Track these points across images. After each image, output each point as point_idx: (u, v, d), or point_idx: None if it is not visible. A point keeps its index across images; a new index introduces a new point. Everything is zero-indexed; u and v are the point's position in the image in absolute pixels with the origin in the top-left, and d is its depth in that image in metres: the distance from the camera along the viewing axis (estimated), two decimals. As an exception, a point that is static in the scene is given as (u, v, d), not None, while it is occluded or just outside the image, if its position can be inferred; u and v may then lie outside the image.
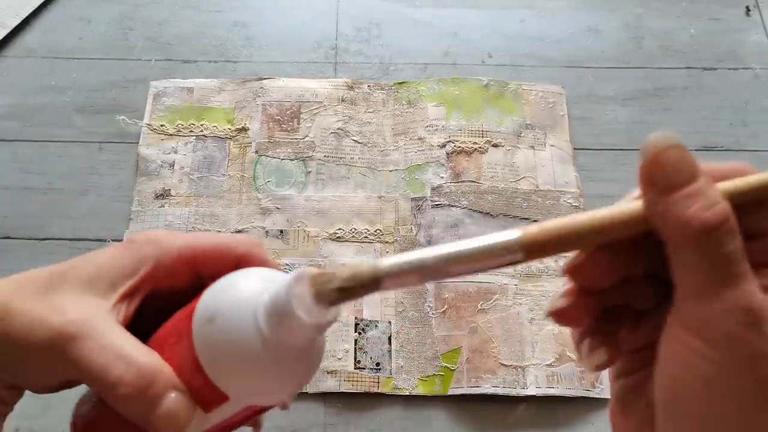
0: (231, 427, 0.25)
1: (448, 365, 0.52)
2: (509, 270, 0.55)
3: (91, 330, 0.22)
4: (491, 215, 0.57)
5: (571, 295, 0.22)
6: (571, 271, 0.21)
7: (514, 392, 0.51)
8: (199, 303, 0.22)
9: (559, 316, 0.22)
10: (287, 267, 0.55)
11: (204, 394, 0.22)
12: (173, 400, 0.22)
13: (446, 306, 0.54)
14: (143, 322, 0.24)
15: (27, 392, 0.24)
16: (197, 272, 0.26)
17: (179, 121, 0.61)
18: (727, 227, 0.18)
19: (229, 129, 0.61)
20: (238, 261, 0.25)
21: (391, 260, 0.20)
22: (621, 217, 0.20)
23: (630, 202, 0.20)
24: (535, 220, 0.57)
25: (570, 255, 0.22)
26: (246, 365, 0.21)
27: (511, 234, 0.20)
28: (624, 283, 0.22)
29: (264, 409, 0.24)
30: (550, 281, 0.55)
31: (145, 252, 0.24)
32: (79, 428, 0.25)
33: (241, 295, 0.22)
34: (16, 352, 0.22)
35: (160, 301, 0.25)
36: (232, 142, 0.60)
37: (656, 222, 0.19)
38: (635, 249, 0.21)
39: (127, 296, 0.24)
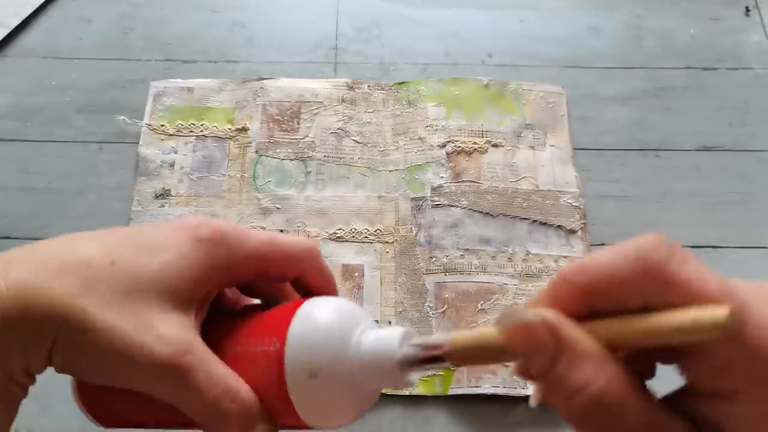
0: None
1: (448, 365, 0.52)
2: (509, 270, 0.55)
3: (197, 361, 0.22)
4: (491, 215, 0.57)
5: None
6: None
7: (514, 392, 0.51)
8: (293, 352, 0.22)
9: None
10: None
11: (286, 422, 0.23)
12: (263, 431, 0.23)
13: (446, 306, 0.54)
14: None
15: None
16: (260, 273, 0.25)
17: (179, 121, 0.61)
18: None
19: (229, 129, 0.61)
20: (300, 267, 0.25)
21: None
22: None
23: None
24: (535, 220, 0.57)
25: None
26: (338, 409, 0.23)
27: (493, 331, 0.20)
28: None
29: None
30: (550, 281, 0.55)
31: (218, 256, 0.23)
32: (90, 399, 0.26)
33: (339, 348, 0.22)
34: (98, 366, 0.22)
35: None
36: (232, 142, 0.60)
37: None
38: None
39: (203, 306, 0.24)
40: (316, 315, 0.23)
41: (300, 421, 0.23)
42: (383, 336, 0.22)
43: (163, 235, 0.23)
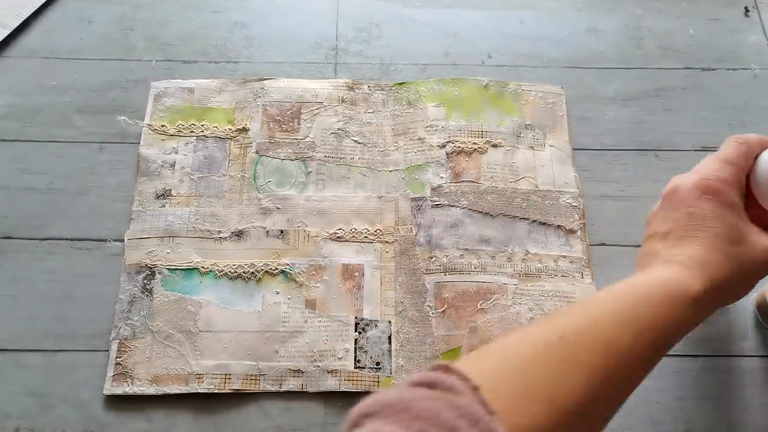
0: None
1: (448, 365, 0.52)
2: (508, 269, 0.55)
3: None
4: (491, 215, 0.58)
5: None
6: None
7: (513, 392, 0.51)
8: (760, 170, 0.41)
9: None
10: (287, 267, 0.55)
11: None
12: None
13: (446, 305, 0.54)
14: None
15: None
16: None
17: (180, 122, 0.61)
18: None
19: (230, 129, 0.61)
20: None
21: None
22: None
23: None
24: (534, 220, 0.57)
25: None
26: None
27: None
28: None
29: None
30: (550, 281, 0.55)
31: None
32: None
33: None
34: None
35: None
36: (232, 143, 0.60)
37: None
38: None
39: None
40: None
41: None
42: None
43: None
